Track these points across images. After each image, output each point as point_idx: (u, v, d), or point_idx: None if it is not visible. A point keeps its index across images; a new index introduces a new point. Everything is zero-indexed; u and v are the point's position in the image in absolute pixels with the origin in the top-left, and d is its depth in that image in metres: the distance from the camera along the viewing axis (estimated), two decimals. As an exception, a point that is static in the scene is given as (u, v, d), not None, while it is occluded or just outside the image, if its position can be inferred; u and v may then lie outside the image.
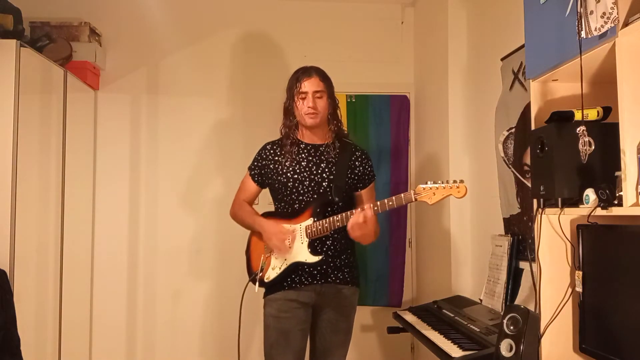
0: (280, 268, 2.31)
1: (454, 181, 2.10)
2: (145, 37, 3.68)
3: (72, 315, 3.24)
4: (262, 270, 2.31)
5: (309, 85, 2.34)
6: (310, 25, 3.77)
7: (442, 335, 2.25)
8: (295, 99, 2.36)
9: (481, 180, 2.89)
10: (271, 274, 2.33)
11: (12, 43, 2.60)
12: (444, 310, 2.59)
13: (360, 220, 2.15)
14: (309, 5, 3.77)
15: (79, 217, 3.39)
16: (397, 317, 2.79)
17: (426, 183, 2.12)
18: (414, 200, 2.13)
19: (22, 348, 2.37)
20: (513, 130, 2.51)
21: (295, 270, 2.32)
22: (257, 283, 2.32)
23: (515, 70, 2.49)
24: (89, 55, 3.43)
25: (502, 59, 2.62)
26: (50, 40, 3.11)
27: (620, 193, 1.39)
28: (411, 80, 3.82)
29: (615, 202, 1.41)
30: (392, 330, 2.85)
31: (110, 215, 3.61)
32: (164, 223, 3.64)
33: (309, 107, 2.33)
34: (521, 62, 2.40)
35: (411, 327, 2.55)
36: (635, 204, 1.34)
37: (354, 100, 3.72)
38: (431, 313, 2.67)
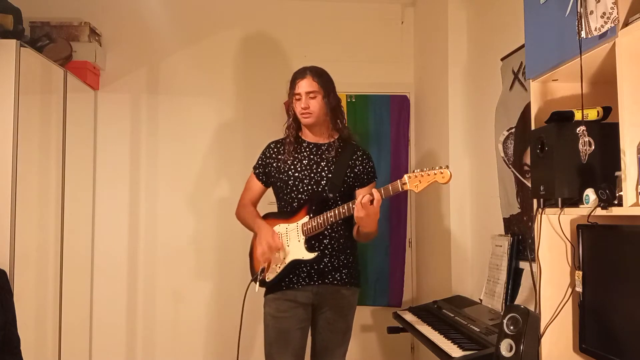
0: (279, 267, 2.33)
1: (440, 167, 2.07)
2: (145, 37, 3.68)
3: (72, 315, 3.24)
4: (263, 271, 2.32)
5: (302, 87, 2.38)
6: (310, 25, 3.77)
7: (442, 335, 2.25)
8: (293, 100, 2.42)
9: (481, 180, 2.89)
10: (271, 274, 2.35)
11: (12, 43, 2.60)
12: (444, 310, 2.59)
13: (365, 201, 2.09)
14: (309, 5, 3.77)
15: (79, 217, 3.40)
16: (397, 317, 2.79)
17: (413, 171, 2.11)
18: (401, 189, 2.11)
19: (22, 348, 2.37)
20: (513, 130, 2.51)
21: (293, 270, 2.34)
22: (257, 283, 2.33)
23: (515, 70, 2.49)
24: (89, 55, 3.43)
25: (502, 59, 2.62)
26: (50, 40, 3.11)
27: (620, 193, 1.39)
28: (411, 80, 3.82)
29: (615, 202, 1.41)
30: (392, 330, 2.85)
31: (110, 215, 3.61)
32: (164, 223, 3.64)
33: (302, 107, 2.38)
34: (521, 62, 2.40)
35: (411, 327, 2.55)
36: (635, 204, 1.34)
37: (354, 100, 3.72)
38: (431, 313, 2.67)
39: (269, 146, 2.54)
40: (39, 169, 2.89)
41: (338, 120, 2.47)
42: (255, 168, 2.55)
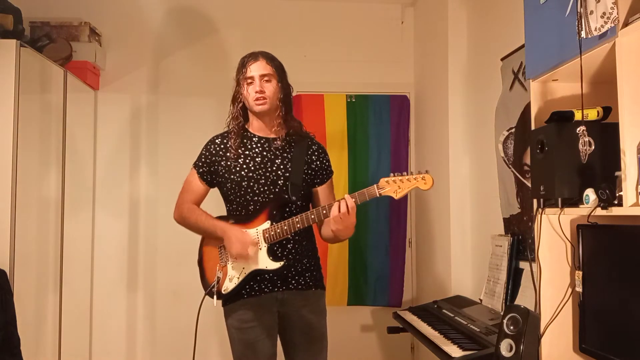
0: (238, 278, 2.10)
1: (419, 172, 1.96)
2: (145, 37, 3.68)
3: (72, 315, 3.24)
4: (218, 281, 2.11)
5: (256, 69, 2.11)
6: (310, 25, 3.76)
7: (442, 335, 2.26)
8: (243, 84, 2.13)
9: (481, 180, 2.89)
10: (229, 285, 2.11)
11: (12, 43, 2.60)
12: (444, 310, 2.59)
13: (343, 211, 1.93)
14: (309, 5, 3.77)
15: (79, 217, 3.40)
16: (397, 317, 2.79)
17: (389, 175, 1.97)
18: (378, 194, 1.96)
19: (22, 348, 2.37)
20: (513, 130, 2.51)
21: (253, 277, 2.11)
22: (214, 296, 2.12)
23: (515, 70, 2.49)
24: (89, 55, 3.43)
25: (502, 59, 2.62)
26: (50, 40, 3.12)
27: (620, 193, 1.39)
28: (411, 80, 3.82)
29: (615, 202, 1.41)
30: (392, 330, 2.85)
31: (110, 215, 3.61)
32: (164, 223, 3.63)
33: (256, 91, 2.09)
34: (521, 62, 2.40)
35: (411, 327, 2.55)
36: (635, 204, 1.34)
37: (354, 100, 3.72)
38: (431, 313, 2.67)
39: (213, 141, 2.23)
40: (39, 169, 2.89)
41: (288, 111, 2.18)
42: (197, 167, 2.23)
